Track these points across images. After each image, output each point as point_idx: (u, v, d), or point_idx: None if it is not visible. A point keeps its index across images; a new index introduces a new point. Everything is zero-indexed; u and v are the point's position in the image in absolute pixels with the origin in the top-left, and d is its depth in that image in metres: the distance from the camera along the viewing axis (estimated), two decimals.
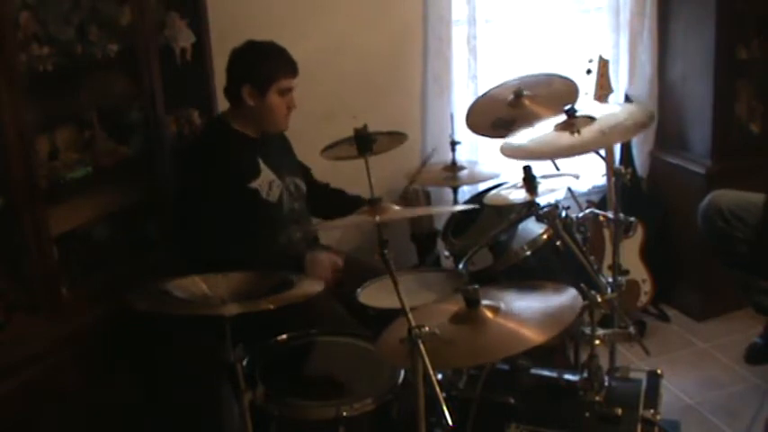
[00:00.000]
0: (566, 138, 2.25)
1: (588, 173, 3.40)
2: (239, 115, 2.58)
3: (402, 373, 2.05)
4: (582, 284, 2.03)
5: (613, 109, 2.48)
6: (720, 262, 3.04)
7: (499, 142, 2.37)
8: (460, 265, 2.50)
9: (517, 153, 2.29)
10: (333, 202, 2.83)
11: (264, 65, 2.54)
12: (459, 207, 2.99)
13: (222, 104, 2.73)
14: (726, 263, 3.01)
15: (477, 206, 2.50)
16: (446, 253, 2.87)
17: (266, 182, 2.59)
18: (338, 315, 2.46)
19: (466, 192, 3.29)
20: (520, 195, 2.28)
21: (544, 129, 2.36)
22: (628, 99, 3.55)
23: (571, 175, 2.41)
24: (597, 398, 2.04)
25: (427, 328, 1.69)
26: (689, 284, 3.63)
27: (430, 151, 2.33)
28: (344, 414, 1.92)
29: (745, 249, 2.83)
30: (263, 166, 2.60)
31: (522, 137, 2.37)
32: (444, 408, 1.65)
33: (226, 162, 2.53)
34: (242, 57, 2.56)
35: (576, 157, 2.33)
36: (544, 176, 2.36)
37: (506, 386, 2.11)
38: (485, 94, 2.99)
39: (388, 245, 1.84)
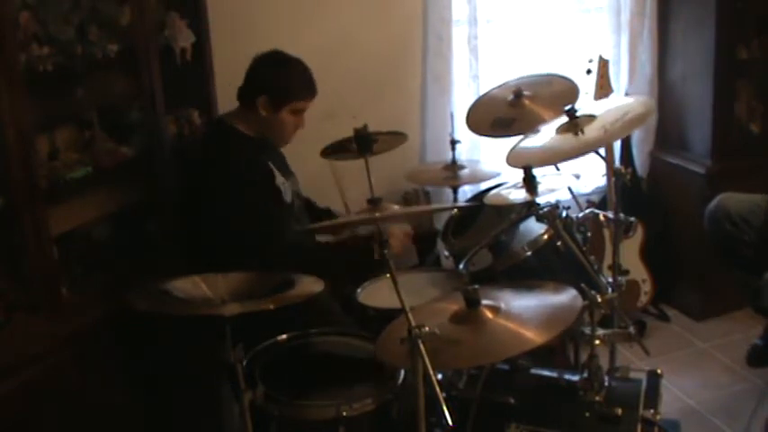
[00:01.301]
0: (570, 139, 2.26)
1: (589, 173, 3.40)
2: (244, 119, 2.58)
3: (402, 373, 2.05)
4: (582, 284, 2.03)
5: (612, 105, 2.49)
6: (723, 263, 3.04)
7: (500, 142, 2.37)
8: (460, 265, 2.50)
9: (524, 161, 2.29)
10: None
11: (286, 82, 2.53)
12: (459, 204, 3.01)
13: (223, 104, 2.73)
14: (729, 264, 3.01)
15: (477, 203, 2.51)
16: (446, 253, 2.87)
17: (280, 182, 2.60)
18: (338, 315, 2.46)
19: (466, 191, 3.29)
20: (520, 195, 2.28)
21: (547, 134, 2.36)
22: None
23: (572, 174, 2.42)
24: (597, 398, 2.04)
25: (427, 328, 1.69)
26: (689, 284, 3.63)
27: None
28: (344, 414, 1.92)
29: (750, 252, 2.84)
30: (273, 167, 2.60)
31: (526, 143, 2.37)
32: (444, 408, 1.65)
33: (249, 163, 2.52)
34: (266, 66, 2.55)
35: (577, 158, 2.33)
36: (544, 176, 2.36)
37: (506, 386, 2.11)
38: (485, 94, 2.99)
39: (388, 245, 1.84)
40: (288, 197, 2.61)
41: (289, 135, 2.60)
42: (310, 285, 1.99)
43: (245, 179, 2.49)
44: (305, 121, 2.60)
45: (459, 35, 3.30)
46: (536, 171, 2.30)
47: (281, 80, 2.53)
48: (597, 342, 2.10)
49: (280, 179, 2.60)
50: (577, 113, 2.32)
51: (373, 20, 3.23)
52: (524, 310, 1.90)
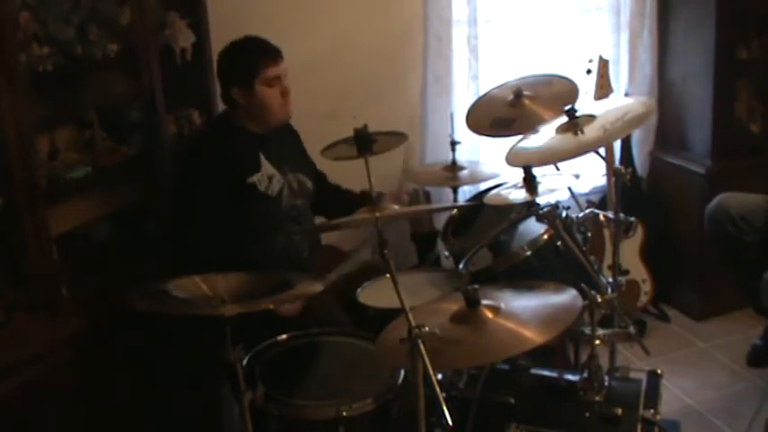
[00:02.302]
0: (570, 139, 2.26)
1: (589, 173, 3.40)
2: (241, 114, 2.58)
3: (402, 373, 2.05)
4: (582, 284, 2.03)
5: (612, 105, 2.49)
6: (723, 263, 3.04)
7: (499, 142, 2.37)
8: (460, 265, 2.50)
9: (523, 160, 2.29)
10: (344, 203, 2.76)
11: (242, 61, 2.52)
12: (459, 204, 3.00)
13: (222, 104, 2.73)
14: (729, 264, 3.01)
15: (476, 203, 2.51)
16: (446, 253, 2.87)
17: (266, 176, 2.57)
18: (338, 315, 2.46)
19: (466, 192, 3.29)
20: (520, 195, 2.28)
21: (547, 133, 2.36)
22: None
23: (571, 174, 2.42)
24: (597, 398, 2.04)
25: (427, 328, 1.69)
26: (689, 284, 3.63)
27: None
28: (344, 414, 1.92)
29: (753, 252, 2.84)
30: (264, 160, 2.59)
31: (526, 143, 2.38)
32: (444, 408, 1.65)
33: (223, 155, 2.50)
34: (222, 60, 2.56)
35: (577, 158, 2.33)
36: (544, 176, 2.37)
37: (506, 386, 2.11)
38: (485, 94, 2.99)
39: (388, 245, 1.84)
40: (272, 190, 2.57)
41: (279, 108, 2.55)
42: (310, 285, 1.98)
43: (234, 174, 2.49)
44: (288, 88, 2.55)
45: (458, 35, 3.30)
46: (536, 171, 2.30)
47: (236, 63, 2.52)
48: (597, 342, 2.10)
49: (268, 171, 2.57)
50: (577, 113, 2.32)
51: (373, 20, 3.23)
52: (524, 310, 1.90)
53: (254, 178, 2.55)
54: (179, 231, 2.53)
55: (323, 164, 2.65)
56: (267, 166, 2.59)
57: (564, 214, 2.34)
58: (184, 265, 2.10)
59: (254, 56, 2.51)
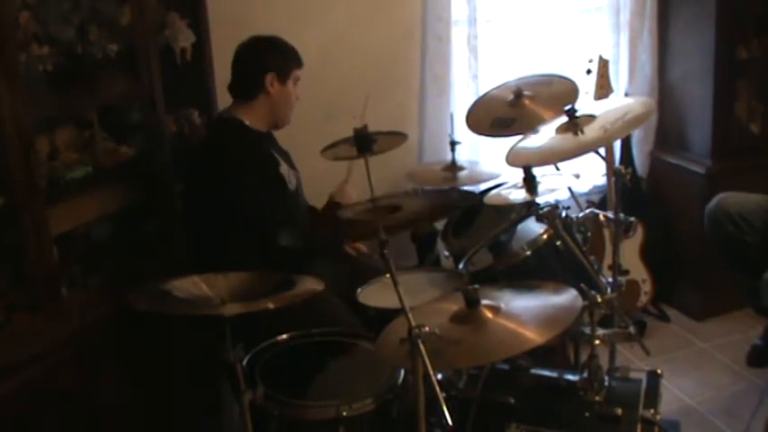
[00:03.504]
0: (570, 139, 2.26)
1: (588, 173, 3.40)
2: (249, 111, 2.59)
3: (402, 373, 2.05)
4: (582, 284, 2.03)
5: (612, 105, 2.49)
6: (725, 263, 3.04)
7: (499, 142, 2.37)
8: (460, 265, 2.50)
9: (524, 160, 2.29)
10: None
11: (284, 55, 2.61)
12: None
13: (223, 104, 2.73)
14: (730, 265, 3.01)
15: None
16: (446, 253, 2.87)
17: (284, 170, 2.63)
18: (339, 315, 2.46)
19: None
20: (520, 195, 2.28)
21: (547, 134, 2.36)
22: None
23: (571, 174, 2.42)
24: (597, 398, 2.04)
25: (427, 328, 1.69)
26: (689, 284, 3.63)
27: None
28: (344, 414, 1.92)
29: (753, 252, 2.84)
30: (278, 158, 2.62)
31: (526, 143, 2.38)
32: (444, 408, 1.65)
33: (254, 156, 2.55)
34: (261, 48, 2.60)
35: (577, 158, 2.33)
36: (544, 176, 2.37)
37: (506, 386, 2.11)
38: (485, 94, 2.99)
39: (387, 245, 1.84)
40: (292, 186, 2.64)
41: (292, 108, 2.66)
42: (311, 285, 1.98)
43: (250, 175, 2.50)
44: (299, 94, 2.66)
45: (458, 35, 3.30)
46: (536, 171, 2.30)
47: (279, 54, 2.60)
48: (597, 342, 2.10)
49: (284, 167, 2.63)
50: (577, 113, 2.32)
51: (373, 20, 3.23)
52: (524, 310, 1.90)
53: (282, 170, 2.60)
54: (201, 234, 2.54)
55: (323, 164, 2.65)
56: (282, 162, 2.63)
57: (564, 214, 2.34)
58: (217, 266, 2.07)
59: (294, 53, 2.63)
